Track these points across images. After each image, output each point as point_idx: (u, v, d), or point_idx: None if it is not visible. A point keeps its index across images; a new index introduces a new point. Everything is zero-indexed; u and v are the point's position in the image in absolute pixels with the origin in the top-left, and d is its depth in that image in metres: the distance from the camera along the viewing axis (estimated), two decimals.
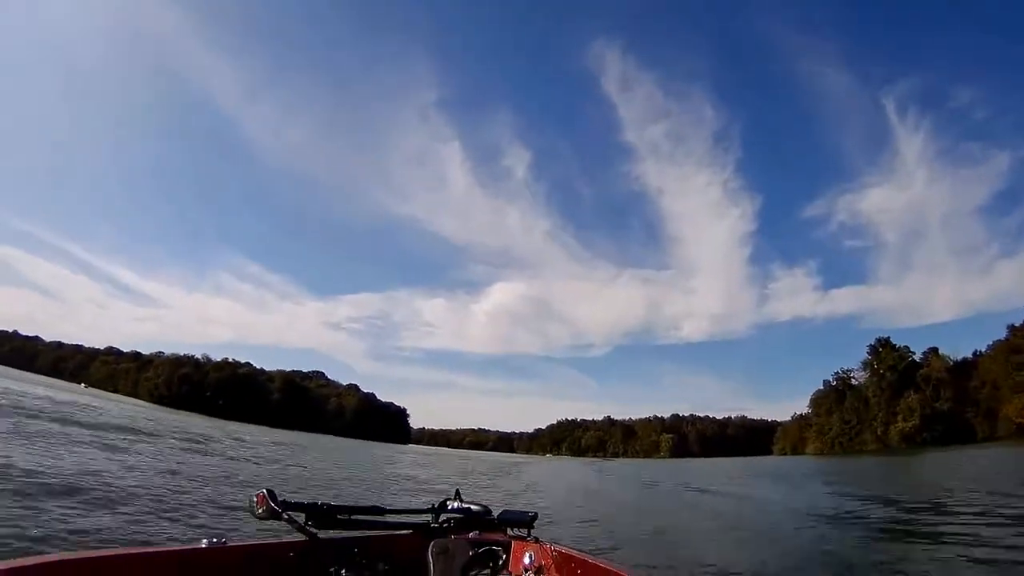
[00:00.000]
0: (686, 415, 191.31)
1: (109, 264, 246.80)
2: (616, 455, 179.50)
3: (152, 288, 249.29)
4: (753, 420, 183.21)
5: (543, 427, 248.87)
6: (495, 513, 2.47)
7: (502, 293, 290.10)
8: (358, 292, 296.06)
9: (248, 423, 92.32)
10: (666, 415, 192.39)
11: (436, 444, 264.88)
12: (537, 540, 2.32)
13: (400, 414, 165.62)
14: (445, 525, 2.35)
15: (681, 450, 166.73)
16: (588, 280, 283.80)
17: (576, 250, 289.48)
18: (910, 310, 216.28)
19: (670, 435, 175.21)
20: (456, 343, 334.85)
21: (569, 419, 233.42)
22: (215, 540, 1.63)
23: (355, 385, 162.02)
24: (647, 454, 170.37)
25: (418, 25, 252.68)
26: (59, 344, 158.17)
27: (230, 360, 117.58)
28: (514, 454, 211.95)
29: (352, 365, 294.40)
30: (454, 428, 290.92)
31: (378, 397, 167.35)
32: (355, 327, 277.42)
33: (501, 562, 2.20)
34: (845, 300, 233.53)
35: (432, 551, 2.02)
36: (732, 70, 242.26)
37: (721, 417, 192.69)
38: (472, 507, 2.46)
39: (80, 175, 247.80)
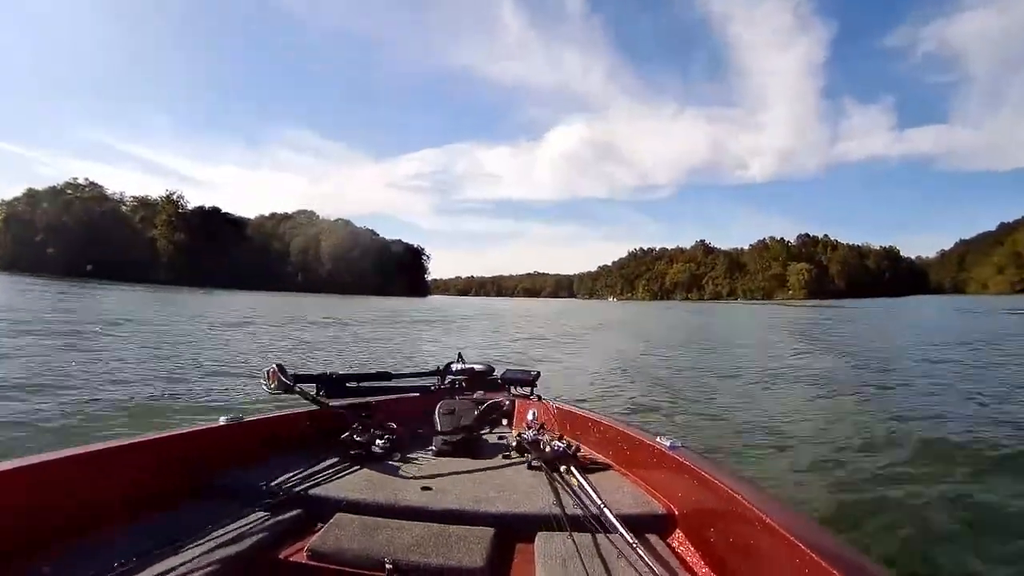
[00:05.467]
0: (821, 236, 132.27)
1: (167, 156, 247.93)
2: (718, 296, 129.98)
3: (212, 174, 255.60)
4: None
5: (609, 264, 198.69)
6: (498, 373, 2.68)
7: (564, 137, 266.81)
8: (419, 149, 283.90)
9: (110, 281, 53.11)
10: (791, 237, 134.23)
11: (487, 294, 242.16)
12: (539, 398, 2.46)
13: (412, 255, 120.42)
14: (450, 386, 2.61)
15: (820, 288, 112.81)
16: (651, 119, 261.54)
17: (637, 88, 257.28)
18: (995, 152, 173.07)
19: (803, 265, 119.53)
20: (520, 191, 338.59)
21: (644, 249, 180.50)
22: (233, 417, 1.71)
23: (345, 220, 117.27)
24: (768, 294, 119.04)
25: None
26: None
27: (77, 181, 72.59)
28: (572, 299, 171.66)
29: (418, 223, 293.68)
30: (508, 274, 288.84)
31: (380, 234, 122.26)
32: (418, 184, 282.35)
33: (505, 419, 2.35)
34: (923, 140, 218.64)
35: (439, 411, 2.15)
36: None
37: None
38: (475, 367, 2.67)
39: (132, 68, 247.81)
